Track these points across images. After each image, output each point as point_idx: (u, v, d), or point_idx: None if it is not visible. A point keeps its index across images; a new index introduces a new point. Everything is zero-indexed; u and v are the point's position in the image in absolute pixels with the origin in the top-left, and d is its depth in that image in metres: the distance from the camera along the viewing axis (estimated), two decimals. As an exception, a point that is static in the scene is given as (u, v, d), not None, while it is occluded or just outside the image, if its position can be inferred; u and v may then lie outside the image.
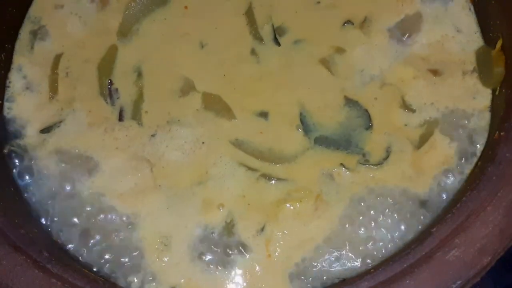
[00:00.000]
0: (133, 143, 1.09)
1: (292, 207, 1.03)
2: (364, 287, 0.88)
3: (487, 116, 1.08)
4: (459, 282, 0.84)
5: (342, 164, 1.05)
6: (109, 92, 1.14)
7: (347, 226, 1.02)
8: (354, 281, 0.91)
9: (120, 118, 1.12)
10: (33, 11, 1.22)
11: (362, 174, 1.05)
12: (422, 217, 1.02)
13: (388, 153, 1.07)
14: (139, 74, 1.15)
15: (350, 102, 1.11)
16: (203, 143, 1.09)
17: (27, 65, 1.17)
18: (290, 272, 1.00)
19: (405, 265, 0.88)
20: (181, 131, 1.10)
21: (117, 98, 1.14)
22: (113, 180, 1.07)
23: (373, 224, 1.01)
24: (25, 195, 1.07)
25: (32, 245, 0.91)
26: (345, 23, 1.17)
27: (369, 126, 1.09)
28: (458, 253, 0.86)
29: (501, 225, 0.86)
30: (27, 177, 1.08)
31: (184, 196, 1.05)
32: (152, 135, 1.10)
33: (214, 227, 1.03)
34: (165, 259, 1.01)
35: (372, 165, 1.06)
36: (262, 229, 1.02)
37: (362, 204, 1.03)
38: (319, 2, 1.20)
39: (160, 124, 1.10)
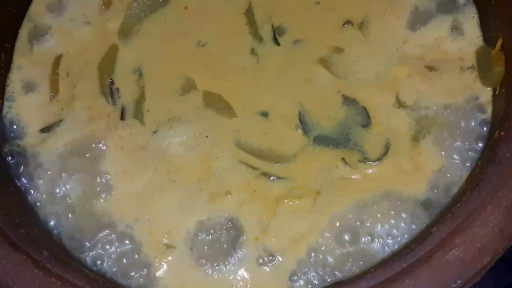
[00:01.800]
0: (136, 141, 1.10)
1: (291, 203, 1.03)
2: (364, 286, 0.88)
3: (487, 114, 1.08)
4: (459, 281, 0.84)
5: (342, 161, 1.05)
6: (110, 92, 1.14)
7: (345, 223, 1.02)
8: (354, 280, 0.91)
9: (122, 117, 1.12)
10: (33, 11, 1.22)
11: (361, 171, 1.05)
12: (422, 217, 1.01)
13: (386, 150, 1.07)
14: (140, 74, 1.15)
15: (348, 100, 1.11)
16: (206, 136, 1.09)
17: (27, 65, 1.17)
18: (288, 270, 1.00)
19: (405, 265, 0.88)
20: (183, 127, 1.10)
21: (118, 97, 1.14)
22: (115, 179, 1.07)
23: (372, 222, 1.01)
24: (25, 194, 1.07)
25: (32, 245, 0.91)
26: (345, 23, 1.17)
27: (367, 124, 1.09)
28: (458, 252, 0.85)
29: (501, 224, 0.86)
30: (27, 177, 1.08)
31: (193, 191, 1.05)
32: (154, 132, 1.10)
33: (221, 215, 1.03)
34: (169, 258, 1.01)
35: (371, 162, 1.06)
36: (261, 224, 1.02)
37: (361, 202, 1.03)
38: (318, 3, 1.20)
39: (162, 122, 1.11)
